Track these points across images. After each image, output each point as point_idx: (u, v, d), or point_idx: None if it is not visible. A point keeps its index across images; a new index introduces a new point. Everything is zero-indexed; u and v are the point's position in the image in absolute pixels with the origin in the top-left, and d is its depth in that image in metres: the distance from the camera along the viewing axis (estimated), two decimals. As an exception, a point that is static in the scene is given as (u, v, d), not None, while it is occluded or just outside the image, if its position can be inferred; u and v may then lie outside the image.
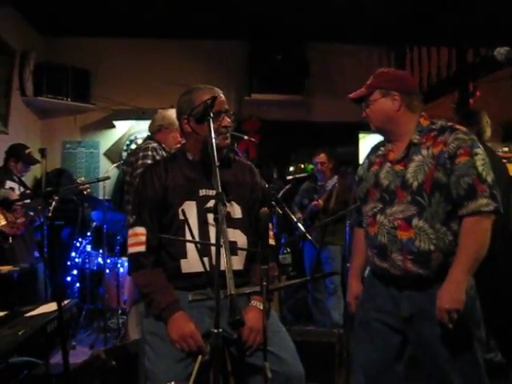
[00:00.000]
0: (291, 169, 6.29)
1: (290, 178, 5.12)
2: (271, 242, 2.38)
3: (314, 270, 4.91)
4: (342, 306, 4.63)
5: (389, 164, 2.26)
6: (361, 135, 6.67)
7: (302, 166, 5.69)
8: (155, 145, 3.59)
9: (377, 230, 2.22)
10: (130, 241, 2.28)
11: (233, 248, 2.21)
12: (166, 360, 2.00)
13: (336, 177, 5.08)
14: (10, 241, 4.35)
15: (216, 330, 1.61)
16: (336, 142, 6.31)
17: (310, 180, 5.41)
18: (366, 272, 2.45)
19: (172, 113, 3.77)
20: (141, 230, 2.26)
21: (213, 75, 6.25)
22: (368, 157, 2.44)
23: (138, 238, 2.26)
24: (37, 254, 4.83)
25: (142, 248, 2.24)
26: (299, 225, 3.67)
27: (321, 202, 5.03)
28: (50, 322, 2.35)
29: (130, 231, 2.29)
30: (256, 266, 2.25)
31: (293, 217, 3.56)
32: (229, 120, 2.27)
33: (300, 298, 5.50)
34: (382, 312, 2.24)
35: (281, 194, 4.73)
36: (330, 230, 4.95)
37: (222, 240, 1.60)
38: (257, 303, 2.20)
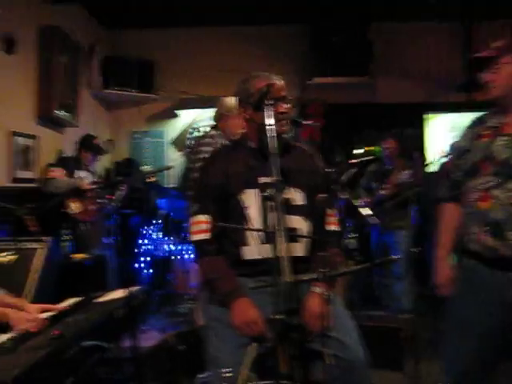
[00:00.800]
0: (358, 151, 6.20)
1: (354, 161, 5.04)
2: (334, 227, 2.37)
3: (378, 255, 4.86)
4: (411, 291, 4.55)
5: (505, 137, 2.18)
6: (429, 116, 6.48)
7: (369, 148, 5.59)
8: (214, 132, 3.65)
9: (491, 205, 2.13)
10: (194, 228, 2.34)
11: (293, 235, 2.23)
12: (228, 345, 2.04)
13: (407, 172, 4.91)
14: (83, 227, 4.55)
15: (276, 317, 1.62)
16: (402, 123, 6.17)
17: (376, 163, 5.32)
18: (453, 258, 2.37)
19: (230, 99, 3.81)
20: (204, 217, 2.31)
21: (275, 61, 6.23)
22: (471, 128, 2.34)
23: (201, 225, 2.31)
24: (107, 241, 5.02)
25: (206, 235, 2.29)
26: (361, 210, 3.62)
27: (387, 192, 4.97)
28: (119, 307, 2.43)
29: (193, 219, 2.35)
30: (318, 253, 2.25)
31: (355, 202, 3.52)
32: (285, 106, 2.27)
33: (369, 283, 5.46)
34: (484, 306, 2.18)
35: (345, 177, 4.69)
36: (398, 215, 4.87)
37: (279, 227, 1.61)
38: (318, 289, 2.20)
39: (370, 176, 5.35)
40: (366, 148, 5.47)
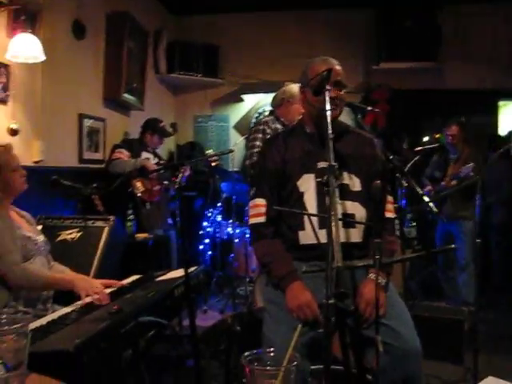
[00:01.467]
0: (425, 139, 6.06)
1: (419, 149, 4.93)
2: (389, 214, 2.35)
3: (442, 245, 4.75)
4: (474, 283, 4.45)
5: None
6: (501, 103, 6.23)
7: (437, 136, 5.45)
8: (268, 119, 3.65)
9: None
10: (251, 212, 2.37)
11: (349, 221, 2.23)
12: (282, 327, 2.07)
13: (470, 165, 4.71)
14: (147, 207, 4.69)
15: (328, 302, 1.63)
16: (472, 110, 5.96)
17: (441, 151, 5.18)
18: None
19: (294, 86, 3.81)
20: (261, 201, 2.34)
21: (339, 45, 6.16)
22: None
23: (258, 209, 2.34)
24: (170, 221, 5.16)
25: (262, 219, 2.32)
26: (424, 198, 3.55)
27: (446, 183, 4.82)
28: (177, 286, 2.51)
29: (251, 202, 2.38)
30: (374, 239, 2.23)
31: (418, 190, 3.45)
32: (340, 92, 2.25)
33: (430, 273, 5.36)
34: None
35: (409, 165, 4.60)
36: (463, 205, 4.74)
37: (332, 212, 1.62)
38: (373, 276, 2.19)
39: (434, 165, 5.22)
40: (435, 135, 5.34)
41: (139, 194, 4.62)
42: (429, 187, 5.00)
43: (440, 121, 5.72)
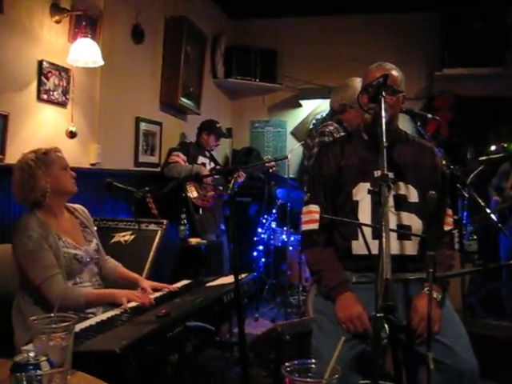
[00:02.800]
0: (492, 148, 5.87)
1: (483, 158, 4.78)
2: (448, 227, 2.30)
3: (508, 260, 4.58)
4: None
5: None
6: None
7: (504, 145, 5.28)
8: (332, 128, 3.54)
9: None
10: (304, 218, 2.38)
11: (405, 232, 2.19)
12: (331, 339, 2.05)
13: None
14: (201, 212, 4.76)
15: (378, 315, 1.61)
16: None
17: (510, 161, 5.01)
18: None
19: (355, 90, 3.72)
20: (314, 207, 2.34)
21: (402, 50, 6.06)
22: None
23: (311, 215, 2.34)
24: (223, 226, 5.20)
25: (315, 226, 2.31)
26: (487, 210, 3.44)
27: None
28: (227, 292, 2.53)
29: (305, 209, 2.39)
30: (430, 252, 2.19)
31: (480, 201, 3.35)
32: (390, 98, 2.22)
33: (492, 289, 5.18)
34: None
35: (472, 175, 4.47)
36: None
37: (384, 223, 1.60)
38: (428, 290, 2.14)
39: (501, 175, 5.05)
40: (502, 144, 5.17)
41: (193, 199, 4.69)
42: (496, 198, 4.86)
43: (506, 129, 5.54)
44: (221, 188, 5.00)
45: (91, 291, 2.40)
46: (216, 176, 4.87)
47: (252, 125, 7.00)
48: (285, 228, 5.40)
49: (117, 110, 4.23)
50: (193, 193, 4.73)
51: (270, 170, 5.23)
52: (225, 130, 5.07)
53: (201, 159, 5.00)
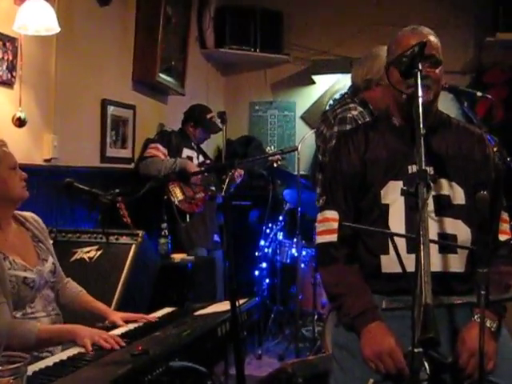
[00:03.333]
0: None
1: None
2: (504, 237, 2.30)
3: None
4: None
5: None
6: None
7: None
8: (356, 113, 3.48)
9: None
10: (320, 227, 2.38)
11: (449, 244, 2.19)
12: (356, 382, 2.05)
13: None
14: (187, 220, 4.76)
15: (416, 350, 1.61)
16: None
17: None
18: None
19: (382, 61, 3.69)
20: (332, 214, 2.33)
21: (441, 11, 6.06)
22: None
23: (328, 224, 2.34)
24: (217, 238, 5.21)
25: (333, 237, 2.31)
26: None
27: None
28: (222, 323, 2.53)
29: (320, 215, 2.39)
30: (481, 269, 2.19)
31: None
32: (435, 70, 2.22)
33: None
34: None
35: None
36: None
37: (422, 232, 1.60)
38: (480, 318, 2.13)
39: None
40: None
41: (177, 203, 4.70)
42: None
43: None
44: (213, 189, 5.00)
45: (45, 327, 2.37)
46: (206, 174, 4.89)
47: (251, 108, 7.02)
48: (294, 240, 5.40)
49: (78, 91, 4.24)
50: (177, 195, 4.74)
51: (275, 166, 5.23)
52: (217, 115, 5.06)
53: (186, 152, 5.01)
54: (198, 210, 4.89)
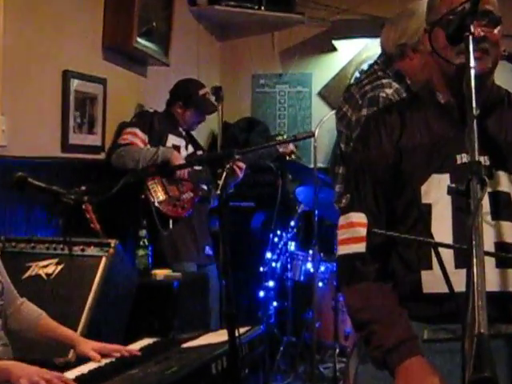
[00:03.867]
0: None
1: None
2: None
3: None
4: None
5: None
6: None
7: None
8: (390, 91, 3.43)
9: None
10: (342, 234, 2.37)
11: (507, 257, 2.18)
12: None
13: None
14: (171, 226, 4.75)
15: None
16: None
17: None
18: None
19: (420, 20, 3.66)
20: (358, 217, 2.32)
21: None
22: None
23: (353, 230, 2.32)
24: (210, 250, 5.19)
25: (360, 247, 2.29)
26: None
27: None
28: (216, 358, 2.53)
29: (342, 220, 2.38)
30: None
31: None
32: (490, 31, 2.21)
33: None
34: None
35: None
36: None
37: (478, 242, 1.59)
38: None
39: None
40: None
41: (157, 205, 4.69)
42: None
43: None
44: (205, 187, 4.99)
45: None
46: (197, 167, 4.88)
47: (255, 82, 7.04)
48: (310, 251, 5.41)
49: (32, 61, 4.23)
50: (158, 194, 4.73)
51: (287, 158, 5.22)
52: (211, 92, 5.05)
53: (172, 140, 5.01)
54: (184, 214, 4.89)
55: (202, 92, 5.17)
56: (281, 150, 5.13)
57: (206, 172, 4.92)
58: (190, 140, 5.25)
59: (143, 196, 4.68)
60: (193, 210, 4.97)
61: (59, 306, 3.18)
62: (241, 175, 4.98)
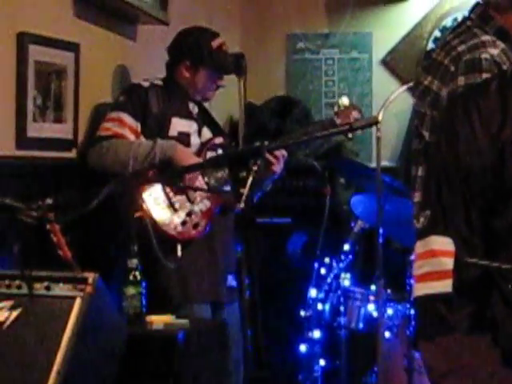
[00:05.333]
0: None
1: None
2: None
3: None
4: None
5: None
6: None
7: None
8: (496, 51, 3.43)
9: None
10: (420, 267, 2.42)
11: None
12: None
13: None
14: (179, 253, 4.71)
15: None
16: None
17: None
18: None
19: None
20: (444, 243, 2.33)
21: None
22: None
23: (436, 261, 2.35)
24: (233, 281, 5.13)
25: (446, 285, 2.31)
26: None
27: None
28: None
29: (421, 245, 2.42)
30: None
31: None
32: None
33: None
34: None
35: None
36: None
37: None
38: None
39: None
40: None
41: (162, 226, 4.65)
42: None
43: None
44: (227, 190, 4.96)
45: None
46: (214, 165, 4.86)
47: (291, 45, 7.09)
48: (373, 288, 5.40)
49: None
50: (158, 209, 4.70)
51: (349, 136, 5.18)
52: (231, 59, 5.06)
53: (177, 125, 5.02)
54: (198, 235, 4.88)
55: (216, 43, 5.13)
56: (338, 121, 5.06)
57: (225, 173, 4.91)
58: (205, 121, 5.26)
59: (136, 213, 4.63)
60: (211, 224, 4.96)
61: (14, 370, 3.18)
62: (279, 168, 4.91)
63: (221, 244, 5.02)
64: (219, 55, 5.10)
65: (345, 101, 5.16)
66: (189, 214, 4.82)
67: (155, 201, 4.72)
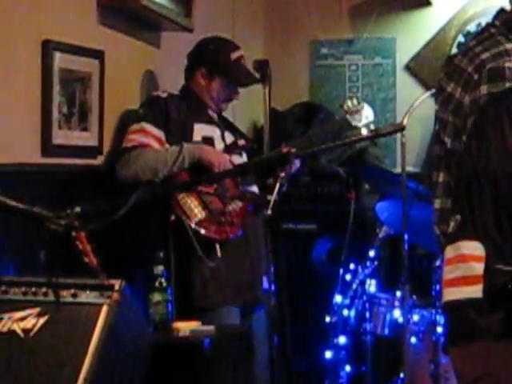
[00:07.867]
0: None
1: None
2: None
3: None
4: None
5: None
6: None
7: None
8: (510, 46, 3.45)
9: None
10: (450, 272, 2.42)
11: None
12: None
13: None
14: (219, 254, 4.71)
15: None
16: None
17: None
18: None
19: None
20: (473, 247, 2.35)
21: None
22: None
23: (466, 266, 2.35)
24: (267, 283, 5.08)
25: (477, 291, 2.32)
26: None
27: None
28: None
29: (450, 250, 2.42)
30: None
31: None
32: None
33: None
34: None
35: None
36: None
37: None
38: None
39: None
40: None
41: (195, 226, 4.63)
42: None
43: None
44: (254, 189, 4.95)
45: None
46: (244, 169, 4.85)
47: (315, 52, 7.10)
48: (398, 294, 5.38)
49: (2, 27, 4.26)
50: (194, 211, 4.68)
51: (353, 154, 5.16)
52: (253, 66, 5.04)
53: (200, 130, 5.04)
54: (235, 235, 4.89)
55: (235, 55, 5.13)
56: (353, 121, 5.05)
57: (251, 178, 4.91)
58: (226, 125, 5.27)
59: (173, 217, 4.65)
60: (244, 225, 4.97)
61: (41, 377, 3.17)
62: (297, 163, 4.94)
63: (254, 242, 5.03)
64: (236, 67, 5.17)
65: (349, 103, 5.18)
66: (223, 214, 4.84)
67: (190, 203, 4.73)
